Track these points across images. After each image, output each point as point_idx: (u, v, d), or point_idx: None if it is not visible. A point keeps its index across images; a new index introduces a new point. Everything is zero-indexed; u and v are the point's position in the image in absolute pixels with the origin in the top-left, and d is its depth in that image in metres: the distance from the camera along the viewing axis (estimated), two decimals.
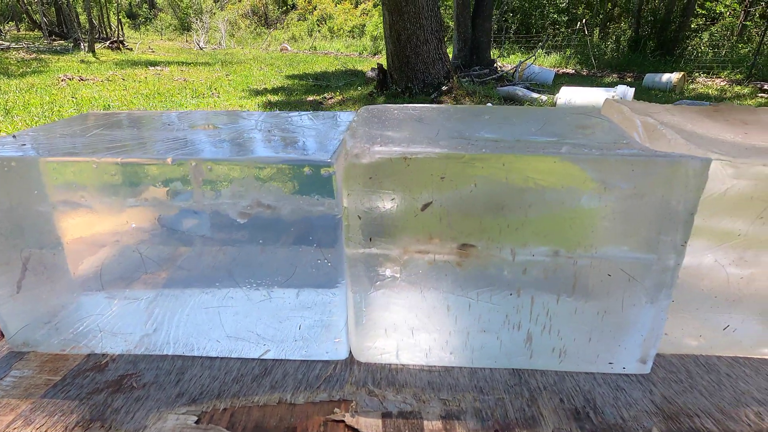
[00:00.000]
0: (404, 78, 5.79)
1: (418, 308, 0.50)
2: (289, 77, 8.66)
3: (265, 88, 7.35)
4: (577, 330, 0.50)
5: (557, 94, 4.87)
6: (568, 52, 11.81)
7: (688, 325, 0.54)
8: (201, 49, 14.74)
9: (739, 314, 0.53)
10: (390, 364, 0.54)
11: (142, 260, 0.50)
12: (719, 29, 12.33)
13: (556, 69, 10.76)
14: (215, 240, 0.49)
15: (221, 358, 0.54)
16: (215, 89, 7.05)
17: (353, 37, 17.16)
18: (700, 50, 11.42)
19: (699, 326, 0.54)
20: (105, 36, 13.48)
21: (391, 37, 5.64)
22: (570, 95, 4.72)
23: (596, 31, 14.45)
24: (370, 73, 7.01)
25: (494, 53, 11.03)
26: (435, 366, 0.54)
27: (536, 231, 0.45)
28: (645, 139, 0.54)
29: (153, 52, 12.62)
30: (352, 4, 18.32)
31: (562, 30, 13.95)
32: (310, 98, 6.34)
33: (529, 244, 0.46)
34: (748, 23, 12.04)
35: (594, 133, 0.53)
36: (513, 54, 12.01)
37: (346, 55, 13.99)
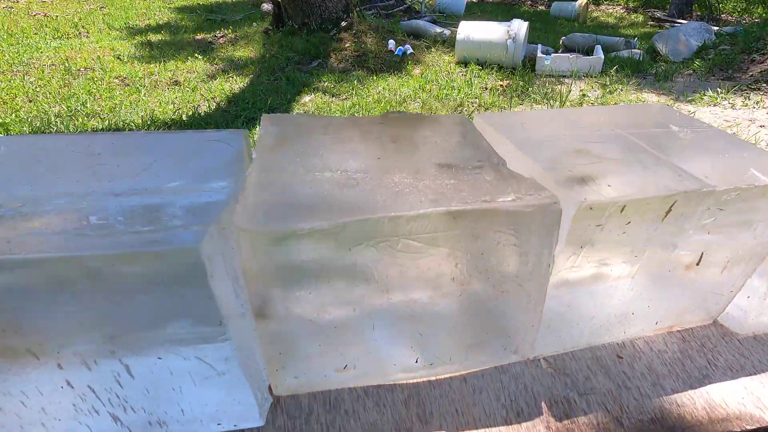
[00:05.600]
0: (299, 13, 5.29)
1: None
2: (178, 10, 7.59)
3: (148, 25, 6.40)
4: (166, 400, 0.48)
5: (458, 29, 4.71)
6: None
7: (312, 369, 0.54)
8: None
9: (355, 350, 0.53)
10: None
11: None
12: None
13: None
14: None
15: None
16: (84, 27, 6.03)
17: None
18: None
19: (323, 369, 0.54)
20: None
21: None
22: (469, 30, 4.61)
23: None
24: (265, 6, 6.31)
25: None
26: None
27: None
28: None
29: None
30: None
31: None
32: (199, 37, 5.64)
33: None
34: None
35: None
36: None
37: None
